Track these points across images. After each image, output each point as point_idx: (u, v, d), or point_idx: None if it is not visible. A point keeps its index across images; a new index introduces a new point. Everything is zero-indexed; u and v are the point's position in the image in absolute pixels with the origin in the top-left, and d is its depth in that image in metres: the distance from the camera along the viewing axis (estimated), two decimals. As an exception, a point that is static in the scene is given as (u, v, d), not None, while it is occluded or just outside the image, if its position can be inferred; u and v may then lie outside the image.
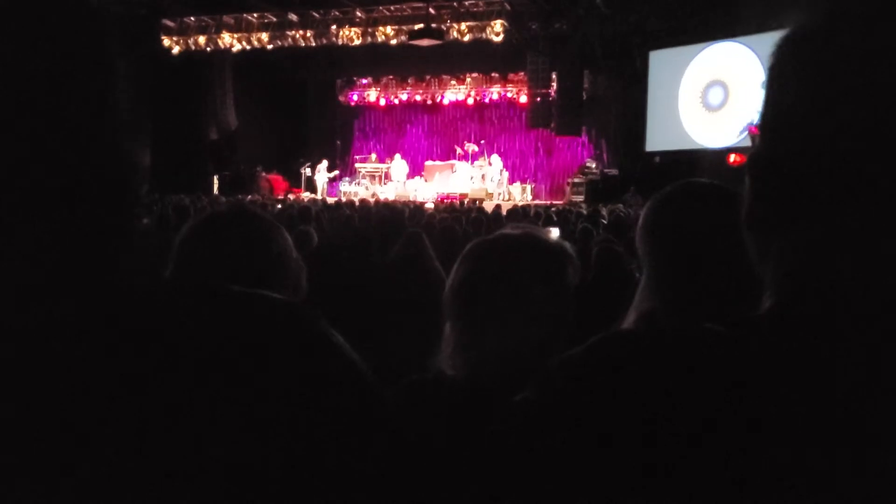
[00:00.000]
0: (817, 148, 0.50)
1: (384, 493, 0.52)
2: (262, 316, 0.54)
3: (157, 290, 0.55)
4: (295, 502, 0.49)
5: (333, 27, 17.12)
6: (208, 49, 17.81)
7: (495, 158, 18.58)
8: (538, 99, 17.71)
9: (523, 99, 19.10)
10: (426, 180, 18.91)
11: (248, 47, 17.68)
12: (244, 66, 18.99)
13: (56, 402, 0.47)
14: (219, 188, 18.18)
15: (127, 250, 0.53)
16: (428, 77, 20.91)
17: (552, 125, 17.99)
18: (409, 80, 21.25)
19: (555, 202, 15.91)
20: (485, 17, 16.11)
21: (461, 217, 7.45)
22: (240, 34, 17.63)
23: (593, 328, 0.59)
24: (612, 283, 3.67)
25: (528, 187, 18.74)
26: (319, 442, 0.51)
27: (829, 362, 0.47)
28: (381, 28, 16.89)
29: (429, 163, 20.09)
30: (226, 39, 17.66)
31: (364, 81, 21.79)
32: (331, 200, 13.95)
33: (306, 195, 17.77)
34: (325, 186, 18.96)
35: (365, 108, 22.13)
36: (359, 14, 16.90)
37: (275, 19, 17.45)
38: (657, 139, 16.10)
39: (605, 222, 7.69)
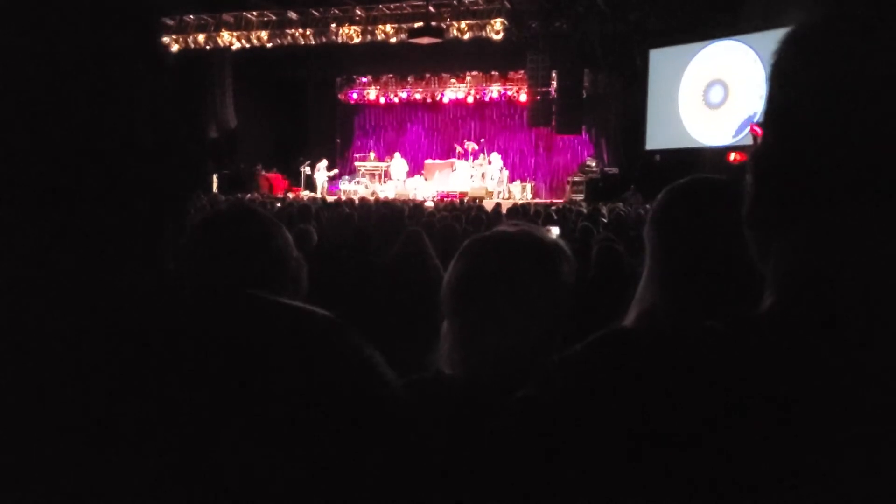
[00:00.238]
0: (818, 147, 0.50)
1: (387, 493, 0.52)
2: (299, 328, 0.54)
3: (190, 295, 0.55)
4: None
5: (333, 25, 17.11)
6: (208, 47, 17.79)
7: (495, 157, 18.57)
8: (538, 97, 17.70)
9: (523, 97, 19.09)
10: (426, 179, 18.90)
11: (247, 45, 17.68)
12: (244, 64, 18.98)
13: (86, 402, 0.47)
14: (218, 187, 18.15)
15: (169, 251, 0.54)
16: (428, 75, 20.89)
17: (552, 124, 17.99)
18: (409, 79, 21.23)
19: (555, 201, 15.89)
20: (485, 15, 16.11)
21: (461, 216, 7.45)
22: (239, 32, 17.62)
23: (593, 326, 0.59)
24: (612, 282, 3.67)
25: (529, 186, 18.74)
26: (342, 452, 0.51)
27: (829, 361, 0.47)
28: (380, 26, 16.89)
29: (429, 161, 20.08)
30: (225, 37, 17.65)
31: (364, 80, 21.77)
32: (330, 199, 13.95)
33: (306, 194, 17.74)
34: (325, 185, 18.95)
35: (365, 107, 22.11)
36: (358, 12, 16.90)
37: (274, 17, 17.44)
38: (657, 138, 16.09)
39: (605, 221, 7.70)
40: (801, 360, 0.47)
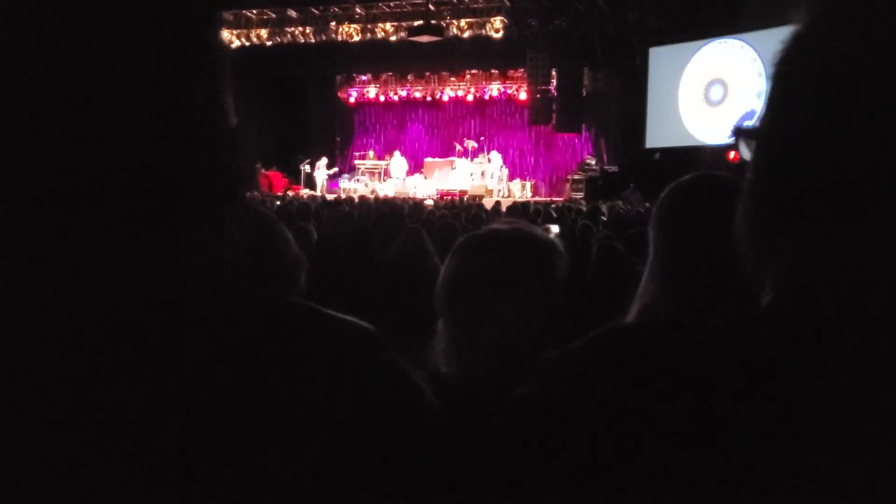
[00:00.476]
0: (818, 147, 0.50)
1: (389, 494, 0.52)
2: (337, 338, 0.54)
3: (228, 300, 0.55)
4: None
5: (333, 23, 17.11)
6: (207, 45, 17.77)
7: (495, 155, 18.57)
8: (538, 96, 17.70)
9: (523, 96, 19.08)
10: (426, 177, 18.90)
11: (247, 43, 17.66)
12: (243, 62, 18.95)
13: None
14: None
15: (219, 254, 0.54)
16: (427, 73, 20.86)
17: (552, 122, 17.99)
18: (409, 77, 21.20)
19: (555, 199, 15.91)
20: (484, 13, 16.11)
21: (461, 214, 7.45)
22: (239, 30, 17.61)
23: (593, 324, 0.59)
24: (612, 280, 3.67)
25: (528, 184, 18.73)
26: (369, 460, 0.50)
27: (829, 360, 0.47)
28: (380, 24, 16.89)
29: (428, 159, 20.07)
30: (224, 35, 17.60)
31: (363, 78, 21.74)
32: (330, 197, 13.95)
33: (305, 192, 17.74)
34: (325, 183, 18.94)
35: (364, 105, 22.08)
36: (358, 10, 16.89)
37: (274, 15, 17.43)
38: (657, 136, 16.08)
39: (604, 219, 7.70)
40: (800, 359, 0.47)
